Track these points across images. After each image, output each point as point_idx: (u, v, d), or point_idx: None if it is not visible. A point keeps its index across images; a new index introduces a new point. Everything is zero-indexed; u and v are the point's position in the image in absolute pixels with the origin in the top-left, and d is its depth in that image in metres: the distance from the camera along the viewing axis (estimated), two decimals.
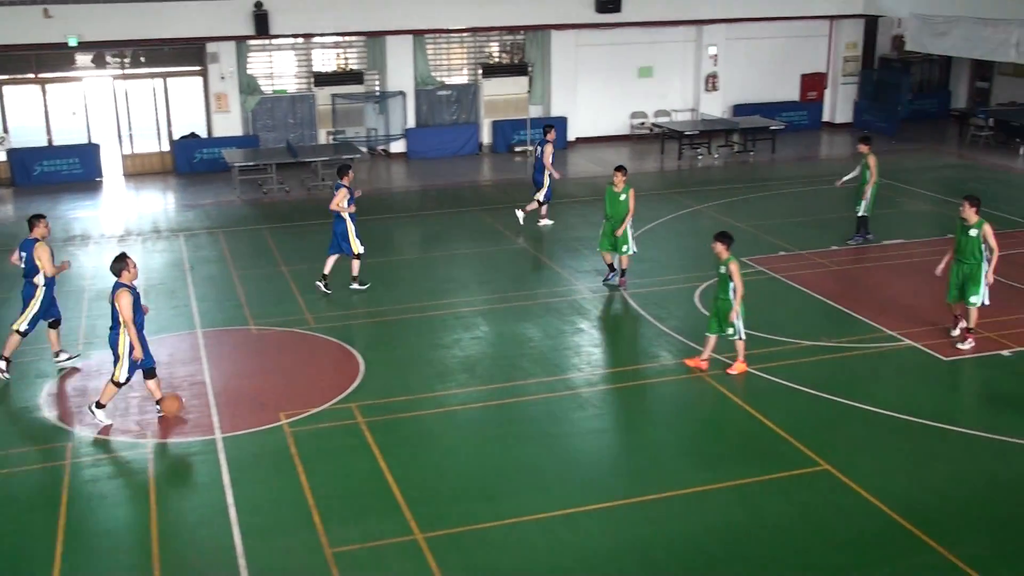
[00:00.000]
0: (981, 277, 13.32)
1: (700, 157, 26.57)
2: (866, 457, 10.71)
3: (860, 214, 18.15)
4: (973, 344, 13.48)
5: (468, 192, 23.33)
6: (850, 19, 29.90)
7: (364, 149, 26.16)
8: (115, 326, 11.32)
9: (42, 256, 12.83)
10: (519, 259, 17.91)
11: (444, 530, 9.39)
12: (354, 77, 26.62)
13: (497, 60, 28.20)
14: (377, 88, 26.94)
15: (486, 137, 27.88)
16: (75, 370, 13.18)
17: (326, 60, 27.03)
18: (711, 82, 29.09)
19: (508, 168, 25.96)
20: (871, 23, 30.68)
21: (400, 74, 26.65)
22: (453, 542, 9.23)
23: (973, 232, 13.30)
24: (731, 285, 12.31)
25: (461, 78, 28.13)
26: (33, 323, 13.04)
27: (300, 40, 26.20)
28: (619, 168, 16.03)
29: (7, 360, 12.97)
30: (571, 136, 28.10)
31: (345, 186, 15.71)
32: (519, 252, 18.32)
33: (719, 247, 12.42)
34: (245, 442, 11.21)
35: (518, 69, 27.86)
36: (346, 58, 27.04)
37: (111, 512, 9.94)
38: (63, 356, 13.37)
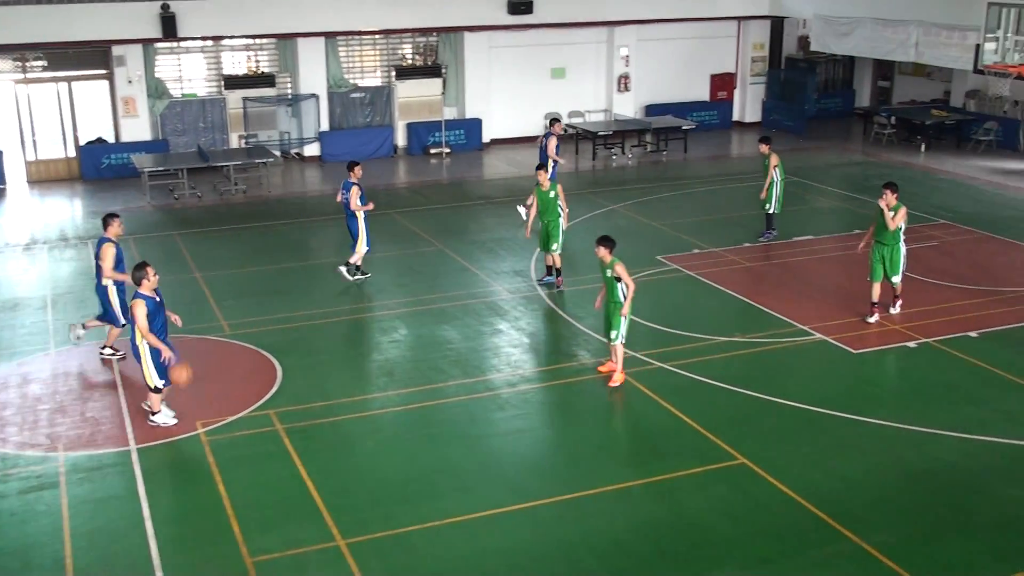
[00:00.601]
0: (900, 257, 14.30)
1: (614, 157, 26.83)
2: (781, 450, 10.93)
3: (771, 211, 18.49)
4: (900, 311, 14.69)
5: (383, 195, 23.16)
6: (757, 20, 30.49)
7: (277, 153, 25.84)
8: (132, 334, 11.29)
9: (105, 256, 13.18)
10: (436, 261, 17.87)
11: (366, 535, 9.34)
12: (265, 80, 26.27)
13: (410, 62, 28.09)
14: (289, 91, 26.63)
15: (401, 139, 27.76)
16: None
17: (236, 63, 26.62)
18: (623, 83, 29.40)
19: (424, 170, 25.90)
20: (777, 24, 31.34)
21: (312, 77, 26.39)
22: (375, 547, 9.17)
23: (890, 214, 14.10)
24: (620, 287, 12.25)
25: (374, 80, 27.96)
26: (124, 313, 13.32)
27: (209, 43, 25.78)
28: (540, 167, 16.11)
29: (113, 348, 13.68)
30: (486, 138, 28.14)
31: (355, 183, 16.38)
32: (436, 254, 18.28)
33: (602, 251, 12.31)
34: (160, 452, 11.00)
35: (432, 71, 27.80)
36: (257, 61, 26.67)
37: (20, 529, 9.65)
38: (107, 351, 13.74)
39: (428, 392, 12.48)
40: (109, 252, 13.14)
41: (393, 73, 27.50)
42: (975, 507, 9.78)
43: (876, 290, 14.52)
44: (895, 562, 8.82)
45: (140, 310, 11.03)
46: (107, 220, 13.44)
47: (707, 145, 28.33)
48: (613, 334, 12.33)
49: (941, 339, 13.84)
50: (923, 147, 27.34)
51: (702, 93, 31.02)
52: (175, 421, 11.49)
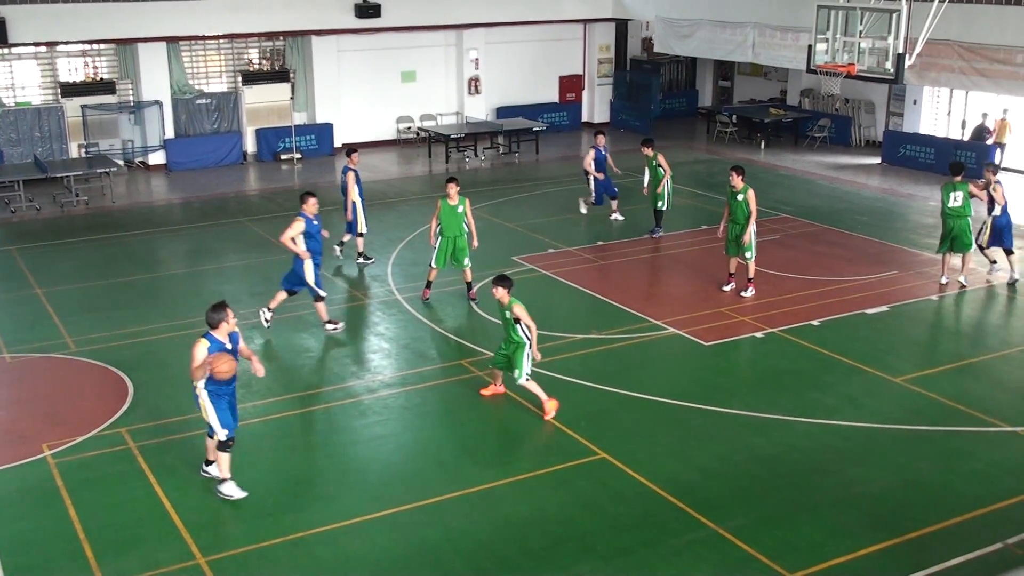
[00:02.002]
0: (752, 236, 15.38)
1: (467, 160, 26.96)
2: (639, 442, 11.20)
3: (662, 208, 18.96)
4: (754, 292, 15.65)
5: (234, 203, 22.72)
6: (602, 23, 31.11)
7: (120, 162, 25.00)
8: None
9: (289, 228, 13.93)
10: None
11: (227, 551, 9.14)
12: (105, 87, 25.38)
13: (257, 67, 27.60)
14: (131, 98, 25.79)
15: (250, 146, 27.23)
16: None
17: (74, 69, 25.62)
18: (474, 85, 29.56)
19: (275, 176, 25.47)
20: (621, 26, 32.05)
21: (155, 83, 25.61)
22: (237, 563, 9.00)
23: (740, 197, 15.28)
24: (520, 328, 11.55)
25: (220, 86, 27.34)
26: (319, 285, 14.22)
27: (43, 49, 24.73)
28: (451, 179, 15.45)
29: (331, 322, 14.48)
30: (337, 142, 27.86)
31: (353, 168, 17.32)
32: (290, 261, 17.95)
33: (500, 292, 11.49)
34: (5, 478, 10.50)
35: (280, 76, 27.37)
36: (95, 67, 25.74)
37: None
38: (330, 327, 14.41)
39: (287, 402, 12.30)
40: (293, 226, 13.95)
41: (240, 78, 26.96)
42: (821, 488, 10.24)
43: (732, 263, 15.77)
44: (749, 545, 9.16)
45: (200, 351, 9.63)
46: (303, 197, 14.25)
47: (558, 146, 28.75)
48: (516, 373, 11.63)
49: (786, 328, 14.43)
50: (763, 144, 28.41)
51: (551, 95, 31.47)
52: (244, 494, 10.02)
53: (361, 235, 17.56)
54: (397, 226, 20.22)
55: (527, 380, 11.73)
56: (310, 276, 14.20)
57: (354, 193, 17.33)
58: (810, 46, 19.94)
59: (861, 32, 18.77)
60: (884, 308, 15.30)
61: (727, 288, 15.82)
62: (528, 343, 11.60)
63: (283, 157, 26.95)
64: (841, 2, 19.13)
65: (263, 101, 27.04)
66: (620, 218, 20.23)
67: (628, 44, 32.97)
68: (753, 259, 15.61)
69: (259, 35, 26.61)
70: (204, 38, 25.89)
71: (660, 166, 18.72)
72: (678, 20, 27.96)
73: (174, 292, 16.55)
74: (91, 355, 13.71)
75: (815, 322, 14.69)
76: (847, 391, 12.49)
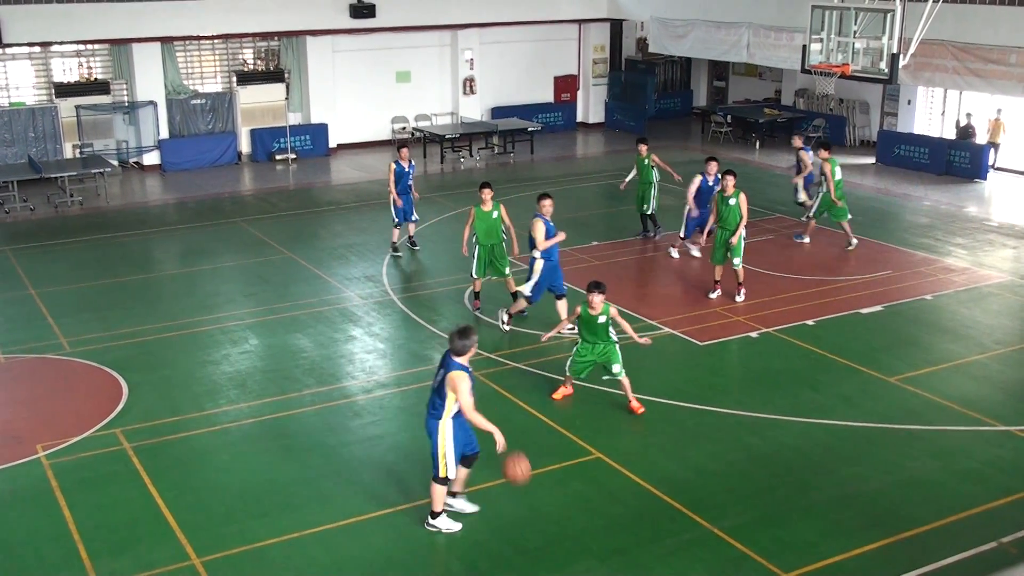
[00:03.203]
0: (741, 241, 15.18)
1: (462, 160, 26.96)
2: (634, 442, 11.21)
3: (650, 212, 18.92)
4: (744, 298, 15.45)
5: (229, 203, 22.70)
6: (596, 23, 31.12)
7: (115, 162, 24.95)
8: (439, 412, 9.24)
9: (535, 231, 13.83)
10: (286, 269, 17.59)
11: (221, 552, 9.13)
12: (100, 87, 25.33)
13: (252, 67, 27.58)
14: (126, 98, 25.75)
15: (245, 146, 27.21)
16: None
17: (68, 70, 25.59)
18: (469, 86, 29.56)
19: (270, 177, 25.45)
20: (616, 26, 32.07)
21: (150, 83, 25.57)
22: (231, 564, 8.99)
23: (732, 201, 15.09)
24: (611, 329, 11.70)
25: (215, 86, 27.31)
26: (536, 291, 14.04)
27: (37, 49, 24.69)
28: (485, 185, 14.94)
29: (509, 315, 14.38)
30: (332, 143, 27.84)
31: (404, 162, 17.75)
32: (286, 262, 18.00)
33: (598, 299, 11.46)
34: None
35: (274, 76, 27.34)
36: (90, 67, 25.70)
37: None
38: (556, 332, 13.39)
39: (282, 402, 12.29)
40: (537, 226, 13.81)
41: (234, 79, 26.93)
42: (816, 487, 10.25)
43: (718, 271, 15.52)
44: (744, 544, 9.17)
45: (465, 384, 9.03)
46: (540, 199, 14.18)
47: (552, 146, 28.75)
48: (617, 369, 11.72)
49: (780, 328, 14.44)
50: (757, 144, 28.43)
51: (546, 95, 31.47)
52: (459, 528, 9.57)
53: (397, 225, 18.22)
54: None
55: (624, 376, 11.83)
56: (536, 275, 13.96)
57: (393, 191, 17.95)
58: (805, 46, 19.97)
59: (855, 32, 18.80)
60: (879, 308, 15.32)
61: (714, 295, 15.60)
62: (616, 342, 11.79)
63: (278, 157, 26.93)
64: (835, 2, 19.16)
65: (258, 101, 27.01)
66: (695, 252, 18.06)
67: (623, 44, 32.98)
68: (741, 264, 15.38)
69: (254, 35, 26.59)
70: (199, 38, 25.87)
71: (654, 167, 18.67)
72: (673, 20, 27.97)
73: (169, 293, 16.53)
74: (86, 356, 13.69)
75: (810, 322, 14.71)
76: (842, 390, 12.51)
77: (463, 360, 9.13)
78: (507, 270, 14.94)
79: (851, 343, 13.93)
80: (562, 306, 14.13)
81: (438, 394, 9.18)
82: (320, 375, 13.09)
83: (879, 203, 22.24)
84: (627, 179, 19.33)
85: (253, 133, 26.98)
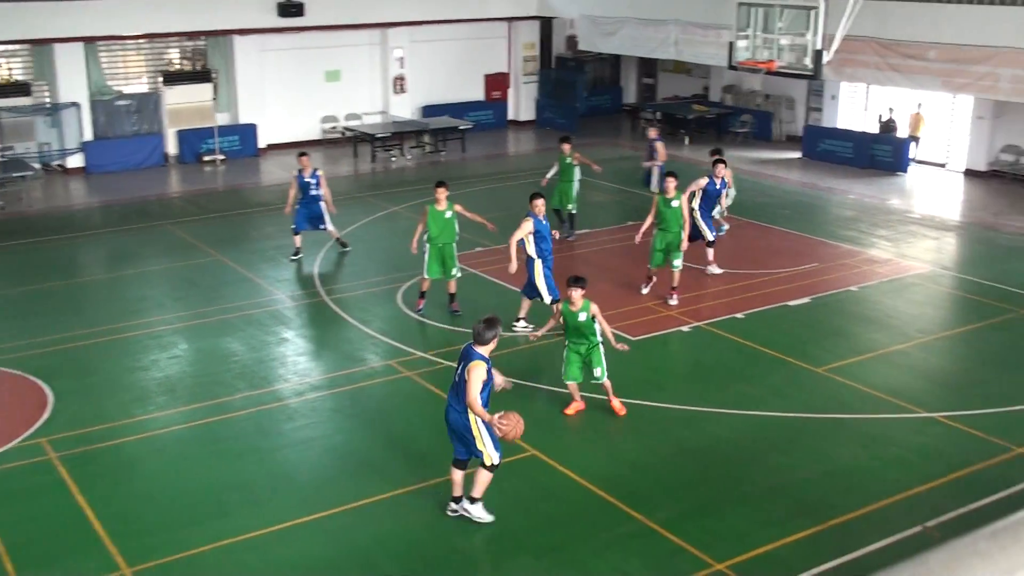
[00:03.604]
0: (679, 244, 15.14)
1: (393, 159, 26.85)
2: (568, 439, 11.27)
3: (573, 211, 18.98)
4: (678, 302, 15.25)
5: (156, 206, 22.34)
6: (526, 21, 31.19)
7: (37, 165, 24.40)
8: (463, 406, 9.23)
9: (519, 229, 13.71)
10: (215, 272, 17.37)
11: (153, 561, 8.99)
12: (20, 89, 24.73)
13: (179, 67, 27.16)
14: (47, 100, 25.19)
15: (172, 147, 26.78)
16: None
17: None
18: (399, 84, 29.44)
19: (198, 178, 25.10)
20: (546, 24, 32.17)
21: (72, 84, 25.03)
22: (163, 573, 8.85)
23: (675, 204, 14.98)
24: (596, 327, 11.51)
25: (141, 87, 26.84)
26: (552, 290, 13.92)
27: None
28: (440, 184, 14.74)
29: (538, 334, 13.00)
30: (261, 143, 27.54)
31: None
32: (215, 265, 17.77)
33: (578, 293, 11.31)
34: None
35: (201, 76, 26.95)
36: (9, 68, 25.10)
37: None
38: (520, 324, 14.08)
39: (213, 407, 12.13)
40: (521, 227, 13.69)
41: (160, 79, 26.50)
42: (748, 478, 10.41)
43: (652, 274, 15.58)
44: (678, 536, 9.27)
45: (478, 373, 9.04)
46: (532, 199, 14.00)
47: (484, 144, 28.77)
48: (599, 372, 11.56)
49: (712, 322, 14.62)
50: (687, 140, 28.74)
51: (477, 93, 31.47)
52: (492, 518, 9.58)
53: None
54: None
55: (606, 380, 11.61)
56: (540, 279, 13.87)
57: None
58: (731, 43, 20.26)
59: (780, 29, 19.13)
60: (806, 300, 15.59)
61: (646, 290, 15.64)
62: (600, 343, 11.57)
63: (206, 159, 26.56)
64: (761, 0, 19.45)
65: (185, 102, 26.58)
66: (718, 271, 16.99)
67: (553, 42, 33.11)
68: (680, 268, 15.29)
69: (180, 35, 26.19)
70: (123, 38, 25.40)
71: (576, 165, 18.70)
72: (602, 18, 28.15)
73: (95, 298, 16.23)
74: (9, 364, 13.38)
75: (740, 315, 14.92)
76: (771, 382, 12.71)
77: (484, 351, 9.21)
78: (455, 271, 14.84)
79: (780, 335, 14.16)
80: (526, 306, 14.32)
81: (460, 387, 9.19)
82: (252, 379, 12.95)
83: (805, 197, 22.63)
84: (548, 175, 19.30)
85: (180, 134, 26.57)
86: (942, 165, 25.47)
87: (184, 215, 21.38)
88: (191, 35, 26.43)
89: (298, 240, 17.80)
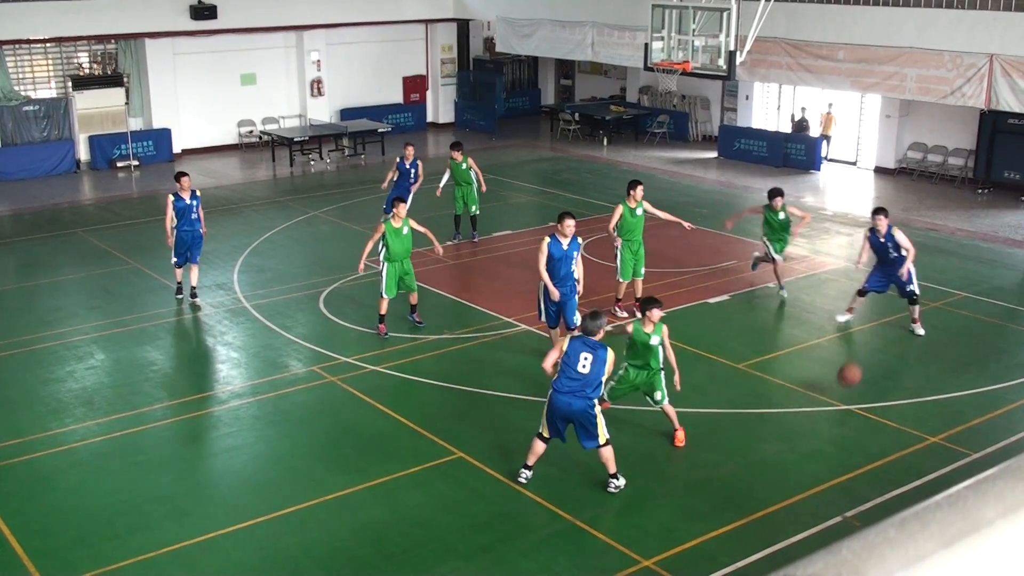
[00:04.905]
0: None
1: (312, 163, 26.62)
2: (494, 440, 11.29)
3: (476, 213, 18.90)
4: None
5: (69, 213, 21.83)
6: (443, 23, 31.18)
7: None
8: (597, 392, 9.81)
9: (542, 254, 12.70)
10: (132, 280, 17.03)
11: None
12: None
13: (89, 71, 26.56)
14: None
15: (83, 153, 26.18)
16: None
17: None
18: (316, 87, 29.19)
19: (111, 185, 24.58)
20: (463, 26, 32.20)
21: None
22: None
23: (639, 212, 14.62)
24: (660, 351, 10.87)
25: (49, 92, 26.19)
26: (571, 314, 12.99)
27: None
28: (398, 199, 14.28)
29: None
30: (177, 148, 27.08)
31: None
32: (131, 272, 17.42)
33: (657, 314, 10.75)
34: None
35: (113, 80, 26.40)
36: None
37: None
38: None
39: (133, 418, 11.89)
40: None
41: (70, 83, 25.89)
42: (672, 474, 10.55)
43: (623, 288, 14.88)
44: (605, 534, 9.35)
45: (612, 356, 9.76)
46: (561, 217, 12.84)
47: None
48: (660, 396, 10.94)
49: (633, 320, 14.73)
50: (605, 141, 29.02)
51: (395, 96, 31.37)
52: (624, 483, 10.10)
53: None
54: (242, 232, 19.80)
55: (668, 403, 11.07)
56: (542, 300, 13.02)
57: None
58: (647, 44, 20.49)
59: (694, 31, 19.40)
60: (725, 297, 15.85)
61: (622, 314, 14.75)
62: (663, 369, 10.94)
63: (119, 164, 26.02)
64: (675, 1, 19.71)
65: (96, 107, 26.03)
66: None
67: (471, 44, 33.16)
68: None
69: (89, 38, 25.62)
70: (29, 42, 24.74)
71: (471, 169, 18.56)
72: (519, 20, 28.27)
73: (6, 309, 15.78)
74: None
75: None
76: (693, 379, 12.86)
77: (598, 339, 9.77)
78: (415, 283, 14.30)
79: (701, 332, 14.36)
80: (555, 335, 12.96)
81: (595, 377, 9.68)
82: (172, 388, 12.72)
83: (722, 196, 23.00)
84: (441, 184, 18.92)
85: (92, 140, 25.99)
86: (853, 163, 26.11)
87: (98, 222, 20.92)
88: (101, 38, 25.87)
89: (180, 274, 15.87)
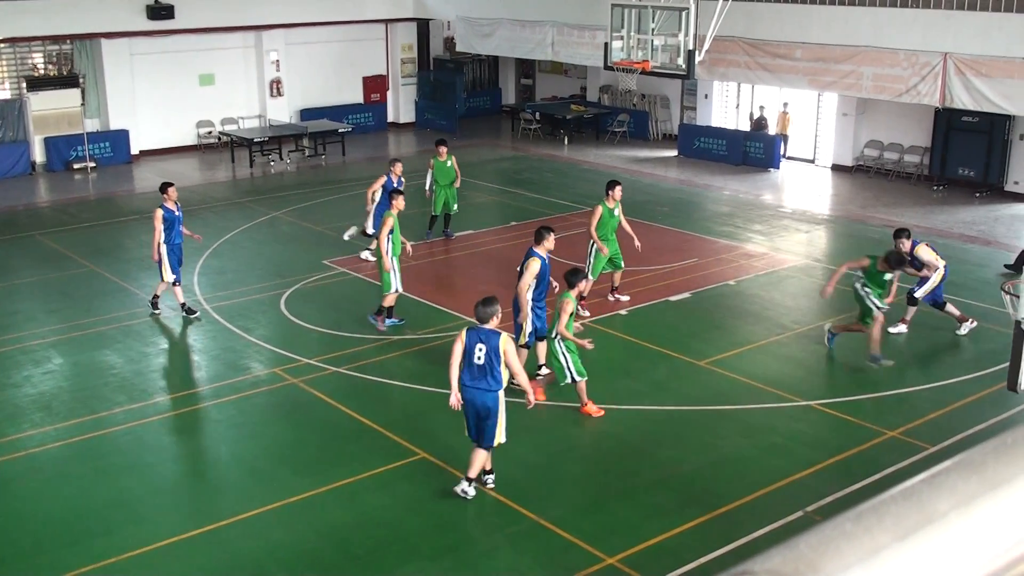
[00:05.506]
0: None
1: (272, 163, 26.45)
2: (458, 440, 11.25)
3: (455, 211, 18.87)
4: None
5: (24, 216, 21.55)
6: (403, 22, 31.11)
7: None
8: (499, 384, 9.82)
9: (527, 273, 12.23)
10: (90, 283, 16.84)
11: None
12: None
13: (43, 72, 26.22)
14: None
15: (39, 155, 25.84)
16: None
17: None
18: (275, 87, 29.01)
19: (68, 187, 24.29)
20: (423, 26, 32.14)
21: None
22: None
23: (617, 212, 14.75)
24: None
25: (2, 93, 25.81)
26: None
27: None
28: (397, 190, 14.72)
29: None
30: (134, 149, 26.80)
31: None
32: (89, 275, 17.22)
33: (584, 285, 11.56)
34: None
35: (68, 81, 26.07)
36: None
37: None
38: None
39: (92, 422, 11.76)
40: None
41: (24, 84, 25.54)
42: (636, 471, 10.60)
43: (618, 277, 15.29)
44: (570, 533, 9.38)
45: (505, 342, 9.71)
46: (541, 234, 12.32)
47: (364, 147, 28.58)
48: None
49: (596, 319, 14.83)
50: (566, 140, 29.09)
51: (356, 96, 31.24)
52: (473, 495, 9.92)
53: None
54: (202, 233, 19.58)
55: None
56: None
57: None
58: (606, 44, 20.57)
59: (653, 30, 19.50)
60: (686, 295, 15.96)
61: (621, 299, 15.41)
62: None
63: (76, 166, 25.72)
64: (634, 1, 19.80)
65: (51, 108, 25.67)
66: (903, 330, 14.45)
67: (431, 44, 33.11)
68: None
69: (44, 38, 25.29)
70: None
71: (455, 168, 18.64)
72: (478, 19, 28.27)
73: None
74: None
75: (623, 311, 15.17)
76: (655, 376, 12.97)
77: (491, 326, 9.77)
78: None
79: (662, 330, 14.45)
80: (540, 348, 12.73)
81: (491, 367, 9.62)
82: (132, 392, 12.60)
83: (682, 194, 23.14)
84: (427, 184, 18.85)
85: (47, 141, 25.66)
86: (811, 161, 26.36)
87: (55, 225, 20.67)
88: (56, 39, 25.54)
89: (180, 292, 15.19)
